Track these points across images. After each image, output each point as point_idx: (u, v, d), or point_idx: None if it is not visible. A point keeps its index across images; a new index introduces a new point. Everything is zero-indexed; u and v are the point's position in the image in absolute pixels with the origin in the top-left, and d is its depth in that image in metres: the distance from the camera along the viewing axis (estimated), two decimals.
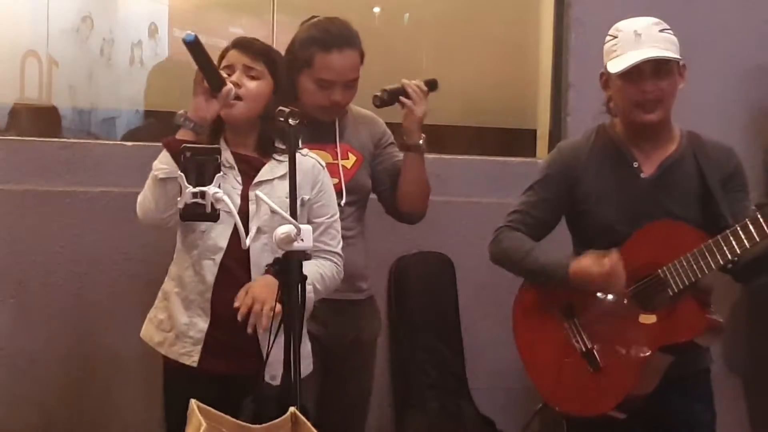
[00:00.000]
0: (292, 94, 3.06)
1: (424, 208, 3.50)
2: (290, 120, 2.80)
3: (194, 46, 2.80)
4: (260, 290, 2.81)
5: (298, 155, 2.95)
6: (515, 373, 4.08)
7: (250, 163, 2.98)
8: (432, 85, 3.40)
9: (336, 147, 3.41)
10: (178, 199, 2.58)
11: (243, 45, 3.01)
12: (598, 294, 3.07)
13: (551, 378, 3.16)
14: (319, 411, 3.29)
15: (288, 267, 2.62)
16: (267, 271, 2.76)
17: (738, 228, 2.87)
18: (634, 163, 3.10)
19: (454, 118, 4.33)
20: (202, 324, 2.93)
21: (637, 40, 3.02)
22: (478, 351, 4.06)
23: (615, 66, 3.03)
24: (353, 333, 3.43)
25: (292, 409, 2.34)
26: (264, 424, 2.34)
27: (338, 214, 3.08)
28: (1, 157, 3.77)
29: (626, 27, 3.07)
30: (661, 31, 3.06)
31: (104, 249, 3.77)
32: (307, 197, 2.96)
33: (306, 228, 2.62)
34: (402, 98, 3.35)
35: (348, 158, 3.43)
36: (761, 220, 2.83)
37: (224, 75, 2.91)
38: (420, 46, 4.55)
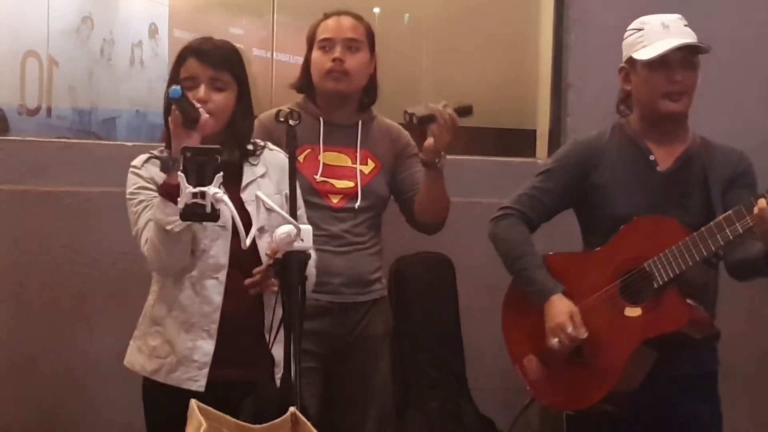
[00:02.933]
0: (251, 98, 3.01)
1: (443, 219, 3.51)
2: (290, 120, 2.80)
3: (179, 100, 2.71)
4: None
5: (267, 151, 2.98)
6: (515, 373, 4.08)
7: (226, 169, 2.74)
8: (466, 111, 3.31)
9: (356, 151, 3.43)
10: (178, 199, 2.58)
11: (203, 55, 2.88)
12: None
13: (537, 371, 3.18)
14: (321, 407, 3.32)
15: (288, 267, 2.63)
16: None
17: (722, 219, 2.89)
18: (651, 156, 3.12)
19: None
20: (208, 346, 2.84)
21: (665, 31, 3.07)
22: (478, 351, 4.06)
23: (645, 54, 3.05)
24: (355, 331, 3.44)
25: (292, 409, 2.34)
26: (264, 424, 2.34)
27: (303, 208, 3.04)
28: (1, 157, 3.77)
29: (652, 19, 3.11)
30: (686, 25, 3.12)
31: (104, 249, 3.77)
32: (287, 191, 2.82)
33: (306, 228, 2.63)
34: (431, 126, 3.32)
35: (367, 164, 3.45)
36: (744, 211, 2.85)
37: (195, 104, 2.79)
38: (420, 46, 4.56)
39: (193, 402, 2.31)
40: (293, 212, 2.69)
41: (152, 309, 2.93)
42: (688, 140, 3.16)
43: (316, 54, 3.43)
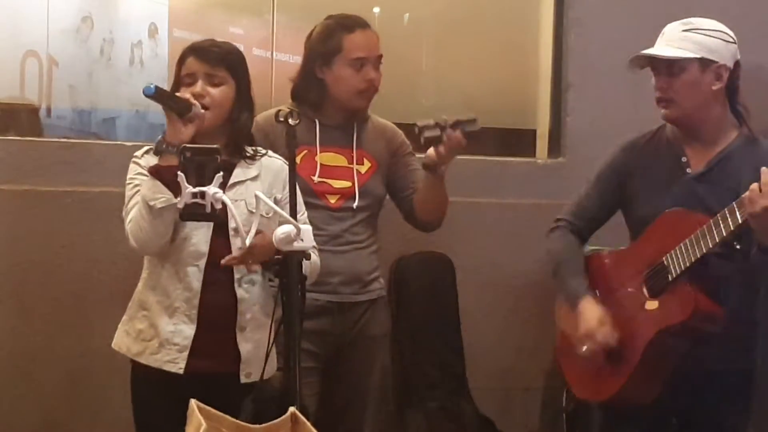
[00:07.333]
0: (251, 95, 3.05)
1: (442, 217, 3.52)
2: (290, 120, 2.81)
3: (155, 96, 2.81)
4: (260, 253, 2.79)
5: (265, 157, 3.04)
6: (515, 373, 4.09)
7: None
8: (471, 124, 3.33)
9: (352, 151, 3.44)
10: (178, 199, 2.59)
11: (201, 53, 2.99)
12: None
13: (573, 365, 3.24)
14: (320, 406, 3.32)
15: (288, 267, 2.63)
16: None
17: (726, 209, 2.87)
18: (683, 158, 3.12)
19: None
20: (188, 330, 2.92)
21: (659, 39, 3.09)
22: (478, 351, 4.06)
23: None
24: (353, 331, 3.44)
25: (292, 409, 2.34)
26: (264, 424, 2.34)
27: (305, 212, 3.09)
28: (1, 157, 3.77)
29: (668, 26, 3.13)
30: (686, 30, 3.08)
31: (104, 249, 3.77)
32: (279, 196, 2.97)
33: (306, 228, 2.63)
34: (437, 147, 3.31)
35: (363, 163, 3.46)
36: (744, 200, 2.83)
37: (187, 95, 2.90)
38: (420, 46, 4.56)
39: (193, 402, 2.32)
40: (293, 212, 2.69)
41: (140, 294, 3.03)
42: (728, 140, 3.12)
43: (346, 72, 3.38)
